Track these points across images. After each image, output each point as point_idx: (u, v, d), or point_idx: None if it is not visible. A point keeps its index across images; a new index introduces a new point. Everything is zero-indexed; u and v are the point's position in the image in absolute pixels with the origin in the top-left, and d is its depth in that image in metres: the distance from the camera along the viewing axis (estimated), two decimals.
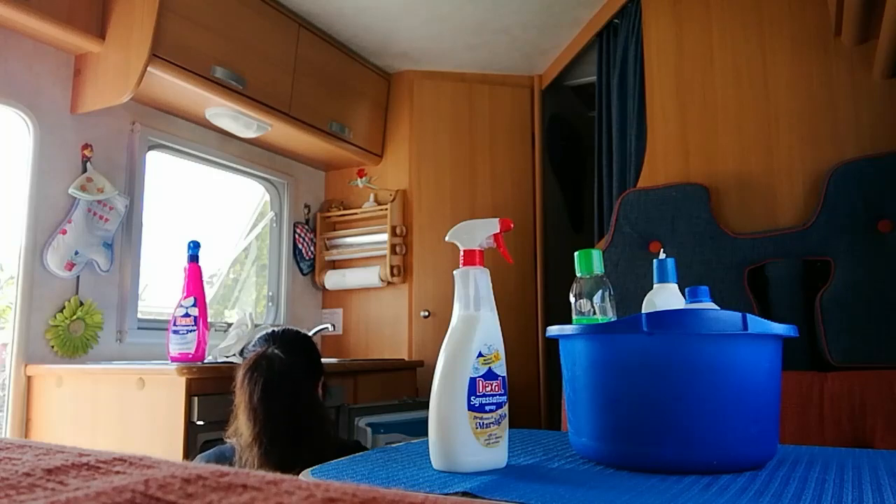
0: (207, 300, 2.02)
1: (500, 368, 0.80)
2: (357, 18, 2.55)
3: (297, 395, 1.39)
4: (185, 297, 1.93)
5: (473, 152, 2.96)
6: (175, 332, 1.91)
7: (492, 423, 0.77)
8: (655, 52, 2.18)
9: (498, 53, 2.84)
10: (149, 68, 1.93)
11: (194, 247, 1.99)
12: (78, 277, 2.05)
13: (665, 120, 2.12)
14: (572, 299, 0.97)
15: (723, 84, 2.04)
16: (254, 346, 1.52)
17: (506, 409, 0.80)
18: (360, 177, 3.04)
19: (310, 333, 2.53)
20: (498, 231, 0.86)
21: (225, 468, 0.40)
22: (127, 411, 1.75)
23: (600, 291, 0.94)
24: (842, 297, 1.67)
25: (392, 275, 2.83)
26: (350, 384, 2.22)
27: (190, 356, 1.88)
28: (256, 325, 2.17)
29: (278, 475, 0.38)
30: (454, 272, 0.82)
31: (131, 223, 2.23)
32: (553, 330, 0.85)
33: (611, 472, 0.74)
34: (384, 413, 2.20)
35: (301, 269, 2.96)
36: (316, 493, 0.32)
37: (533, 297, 2.88)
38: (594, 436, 0.81)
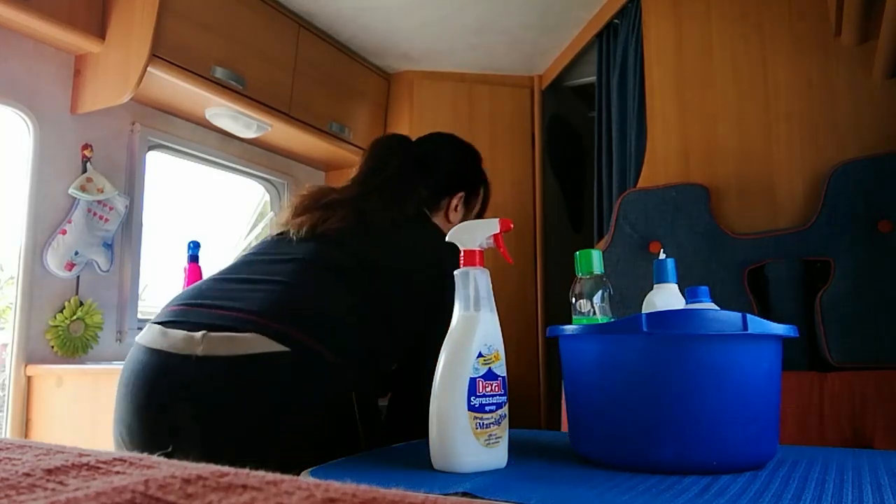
0: None
1: (500, 368, 0.80)
2: (357, 19, 2.54)
3: None
4: None
5: None
6: None
7: (492, 423, 0.77)
8: (655, 52, 2.18)
9: (498, 54, 2.84)
10: (149, 68, 1.93)
11: (194, 247, 1.99)
12: (78, 277, 2.05)
13: (665, 120, 2.12)
14: (572, 299, 0.97)
15: (723, 84, 2.04)
16: None
17: (506, 409, 0.80)
18: None
19: None
20: (498, 231, 0.86)
21: (225, 468, 0.40)
22: None
23: (600, 291, 0.94)
24: (842, 297, 1.67)
25: None
26: None
27: None
28: None
29: (278, 475, 0.38)
30: (454, 272, 0.82)
31: (131, 223, 2.23)
32: (553, 330, 0.85)
33: (611, 473, 0.74)
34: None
35: None
36: (316, 494, 0.32)
37: (533, 297, 2.88)
38: (594, 436, 0.81)
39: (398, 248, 1.20)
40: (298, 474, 0.94)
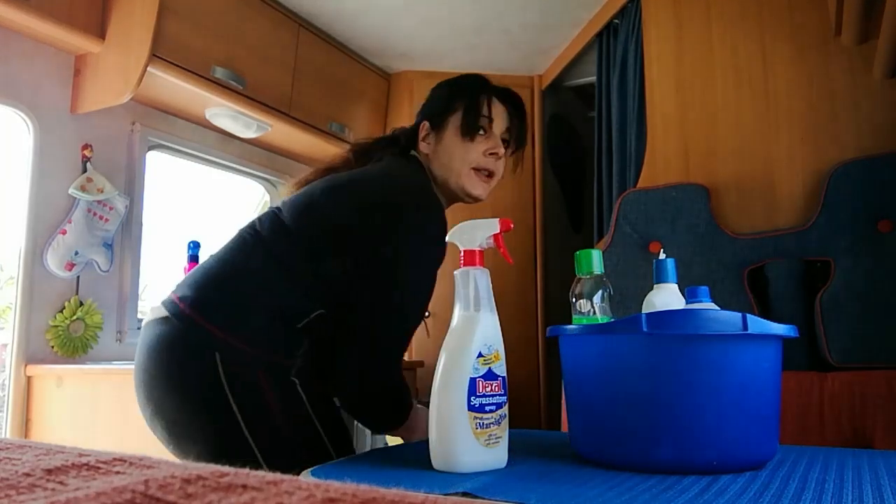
0: None
1: (500, 368, 0.80)
2: (357, 19, 2.54)
3: None
4: None
5: None
6: None
7: (492, 423, 0.77)
8: (655, 53, 2.18)
9: (498, 53, 2.84)
10: (149, 68, 1.93)
11: (194, 247, 1.99)
12: (78, 277, 2.05)
13: (665, 120, 2.12)
14: (572, 299, 0.97)
15: (723, 84, 2.04)
16: None
17: (506, 409, 0.80)
18: None
19: None
20: (498, 231, 0.86)
21: (225, 468, 0.40)
22: (127, 411, 1.75)
23: (600, 291, 0.94)
24: (842, 297, 1.67)
25: None
26: None
27: None
28: None
29: (278, 475, 0.38)
30: (454, 272, 0.82)
31: (131, 223, 2.23)
32: (553, 330, 0.85)
33: (611, 473, 0.74)
34: None
35: None
36: (316, 494, 0.32)
37: (533, 297, 2.88)
38: (594, 436, 0.81)
39: (341, 190, 1.15)
40: (202, 447, 1.00)
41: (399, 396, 1.09)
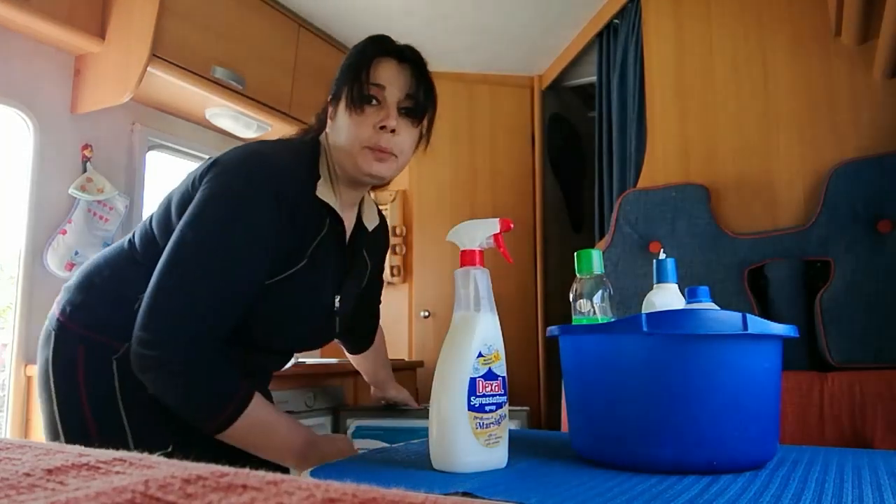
0: None
1: (500, 368, 0.80)
2: (357, 19, 2.55)
3: None
4: None
5: (473, 152, 2.96)
6: None
7: (492, 423, 0.77)
8: (655, 53, 2.18)
9: (498, 53, 2.84)
10: (149, 68, 1.93)
11: None
12: None
13: (665, 120, 2.12)
14: (572, 299, 0.97)
15: (723, 84, 2.04)
16: None
17: (506, 409, 0.80)
18: None
19: None
20: (498, 231, 0.86)
21: (225, 468, 0.40)
22: None
23: (600, 291, 0.94)
24: (842, 297, 1.67)
25: (392, 275, 2.83)
26: (350, 385, 2.22)
27: None
28: None
29: (279, 475, 0.38)
30: (454, 272, 0.82)
31: (131, 223, 2.23)
32: (553, 330, 0.85)
33: (611, 473, 0.74)
34: (379, 417, 2.15)
35: None
36: (316, 494, 0.32)
37: (533, 297, 2.88)
38: (594, 436, 0.81)
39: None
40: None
41: (192, 383, 0.93)
